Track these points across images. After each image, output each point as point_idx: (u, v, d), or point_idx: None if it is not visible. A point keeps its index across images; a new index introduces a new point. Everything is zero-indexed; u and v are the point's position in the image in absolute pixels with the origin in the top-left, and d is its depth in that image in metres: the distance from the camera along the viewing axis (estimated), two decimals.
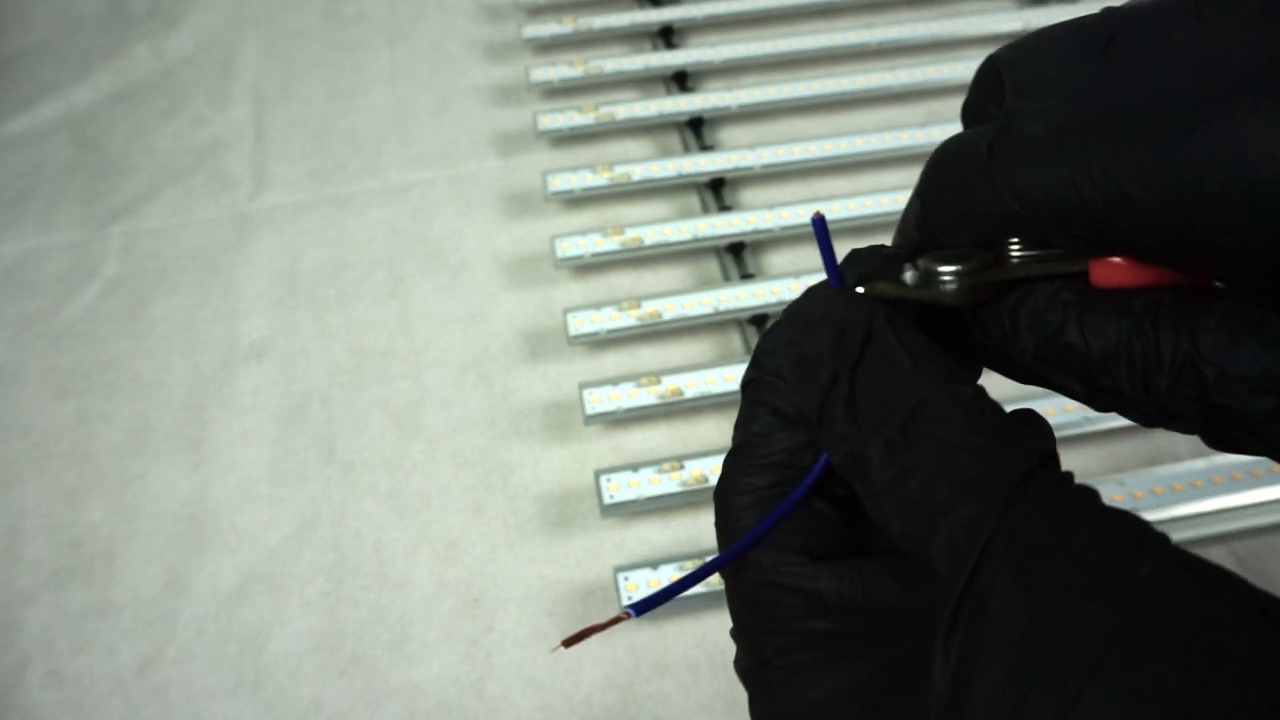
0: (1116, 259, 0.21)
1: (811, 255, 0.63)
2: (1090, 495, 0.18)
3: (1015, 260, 0.23)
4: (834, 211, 0.63)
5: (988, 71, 0.23)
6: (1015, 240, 0.23)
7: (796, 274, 0.59)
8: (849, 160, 0.66)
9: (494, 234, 0.65)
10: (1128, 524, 0.17)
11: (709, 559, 0.23)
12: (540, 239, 0.64)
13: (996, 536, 0.18)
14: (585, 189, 0.65)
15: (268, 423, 0.57)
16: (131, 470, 0.55)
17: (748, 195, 0.67)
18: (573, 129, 0.69)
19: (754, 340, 0.58)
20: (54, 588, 0.51)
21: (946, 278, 0.23)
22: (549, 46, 0.77)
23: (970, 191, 0.22)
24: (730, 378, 0.55)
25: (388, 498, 0.53)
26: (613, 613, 0.49)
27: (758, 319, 0.59)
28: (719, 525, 0.24)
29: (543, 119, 0.70)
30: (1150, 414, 0.22)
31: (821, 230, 0.24)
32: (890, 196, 0.63)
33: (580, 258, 0.61)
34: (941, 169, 0.23)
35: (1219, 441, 0.21)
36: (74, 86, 0.77)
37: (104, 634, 0.49)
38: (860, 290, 0.24)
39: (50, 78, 0.77)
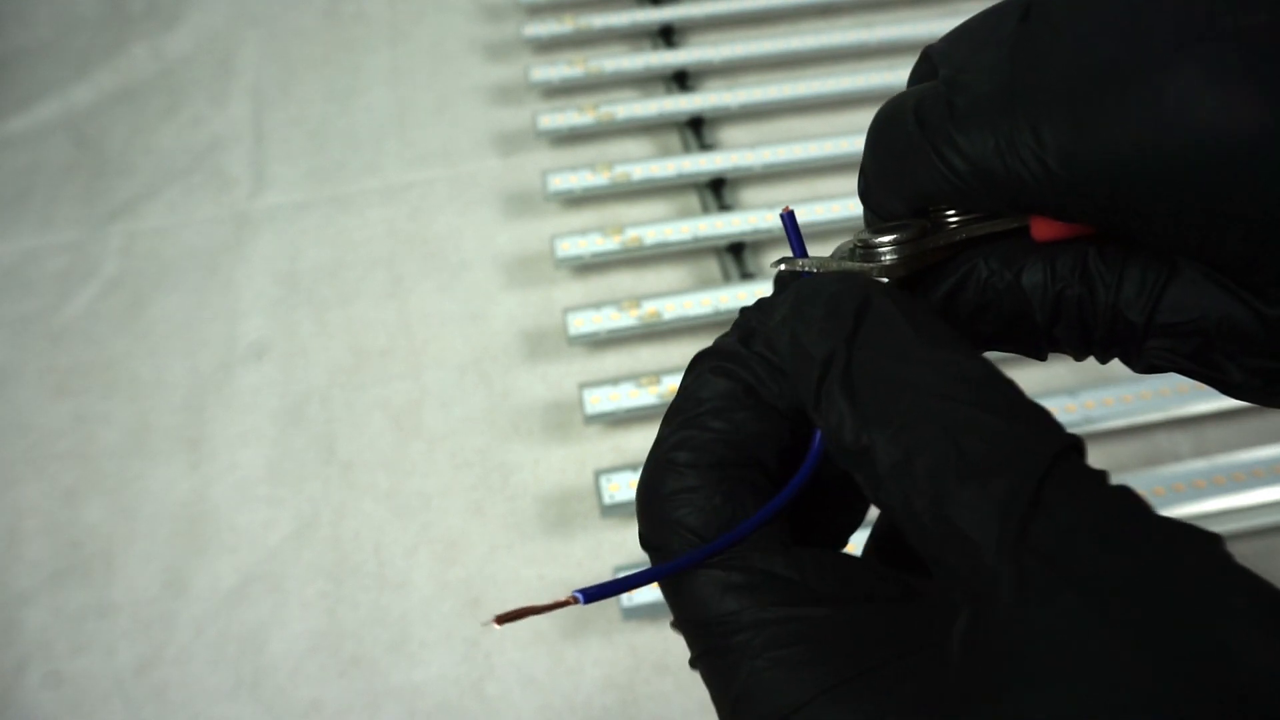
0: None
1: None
2: (1136, 498, 0.17)
3: (953, 225, 0.22)
4: (834, 211, 0.62)
5: (921, 62, 0.23)
6: (950, 209, 0.22)
7: None
8: (849, 160, 0.66)
9: (494, 234, 0.65)
10: (1189, 537, 0.16)
11: (675, 560, 0.20)
12: (540, 239, 0.64)
13: (1030, 536, 0.16)
14: (585, 189, 0.65)
15: (267, 423, 0.57)
16: (130, 470, 0.55)
17: (748, 195, 0.67)
18: (573, 129, 0.69)
19: None
20: (53, 588, 0.51)
21: (885, 249, 0.22)
22: (549, 46, 0.77)
23: (903, 157, 0.22)
24: None
25: (387, 498, 0.53)
26: (611, 615, 0.49)
27: None
28: (645, 509, 0.21)
29: (543, 119, 0.69)
30: (1088, 352, 0.22)
31: (791, 225, 0.24)
32: None
33: (580, 258, 0.61)
34: (876, 135, 0.23)
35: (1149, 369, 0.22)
36: (73, 86, 0.77)
37: (103, 634, 0.49)
38: (782, 266, 0.23)
39: (49, 77, 0.77)
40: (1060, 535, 0.16)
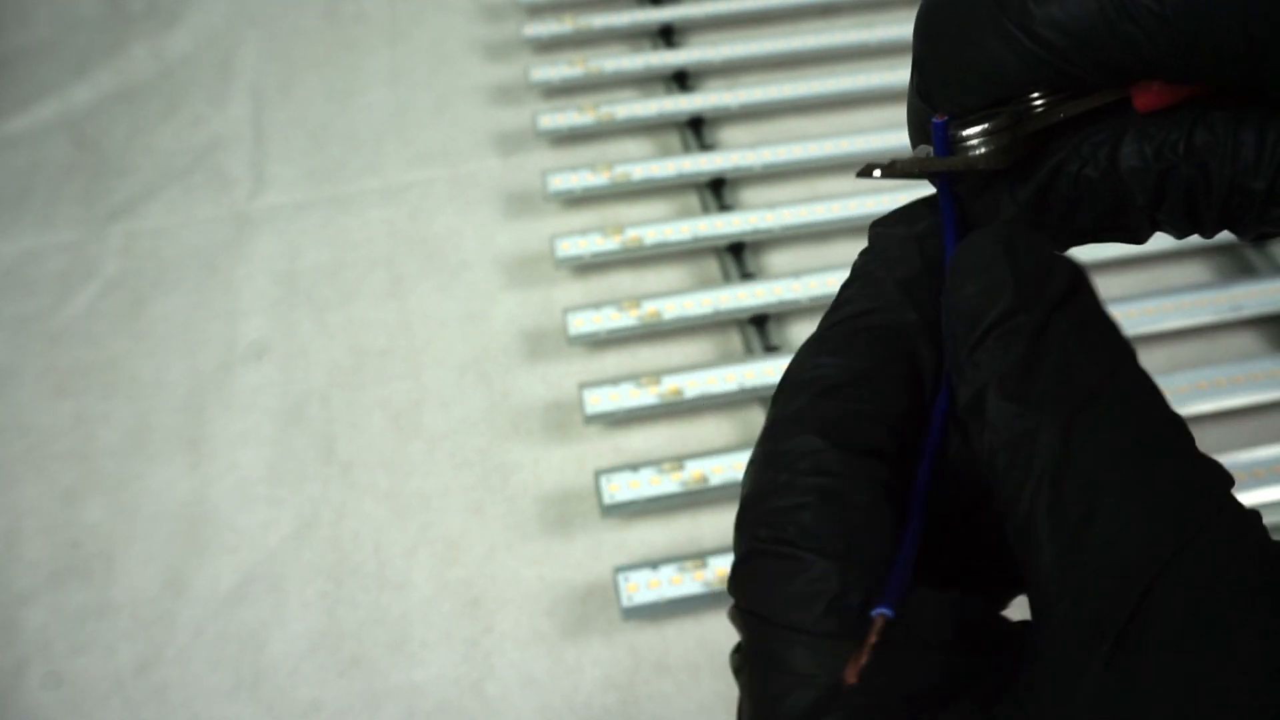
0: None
1: (812, 255, 0.63)
2: None
3: (1040, 109, 0.20)
4: (834, 211, 0.62)
5: None
6: (1035, 94, 0.20)
7: (796, 274, 0.59)
8: (849, 160, 0.66)
9: (494, 234, 0.65)
10: None
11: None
12: (540, 239, 0.64)
13: (1182, 568, 0.14)
14: (585, 189, 0.65)
15: (267, 423, 0.57)
16: (130, 470, 0.55)
17: (748, 195, 0.67)
18: (573, 129, 0.69)
19: (754, 340, 0.58)
20: (53, 588, 0.51)
21: (974, 140, 0.20)
22: (549, 46, 0.77)
23: (975, 42, 0.19)
24: (730, 378, 0.54)
25: (387, 498, 0.53)
26: (611, 615, 0.49)
27: (758, 319, 0.58)
28: (765, 491, 0.18)
29: (542, 119, 0.69)
30: (1194, 230, 0.20)
31: (942, 133, 0.20)
32: (891, 196, 0.63)
33: (580, 258, 0.61)
34: (935, 25, 0.20)
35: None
36: (73, 86, 0.77)
37: (103, 634, 0.49)
38: (878, 173, 0.21)
39: (49, 77, 0.77)
40: (1193, 603, 0.14)
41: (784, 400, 0.19)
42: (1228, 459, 0.50)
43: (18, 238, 0.67)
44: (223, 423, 0.57)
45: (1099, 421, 0.16)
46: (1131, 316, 0.55)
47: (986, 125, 0.19)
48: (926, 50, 0.20)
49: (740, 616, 0.18)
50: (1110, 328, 0.17)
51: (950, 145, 0.20)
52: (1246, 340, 0.57)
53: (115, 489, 0.54)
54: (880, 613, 0.16)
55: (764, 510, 0.17)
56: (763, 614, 0.17)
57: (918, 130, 0.21)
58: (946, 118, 0.20)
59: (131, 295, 0.63)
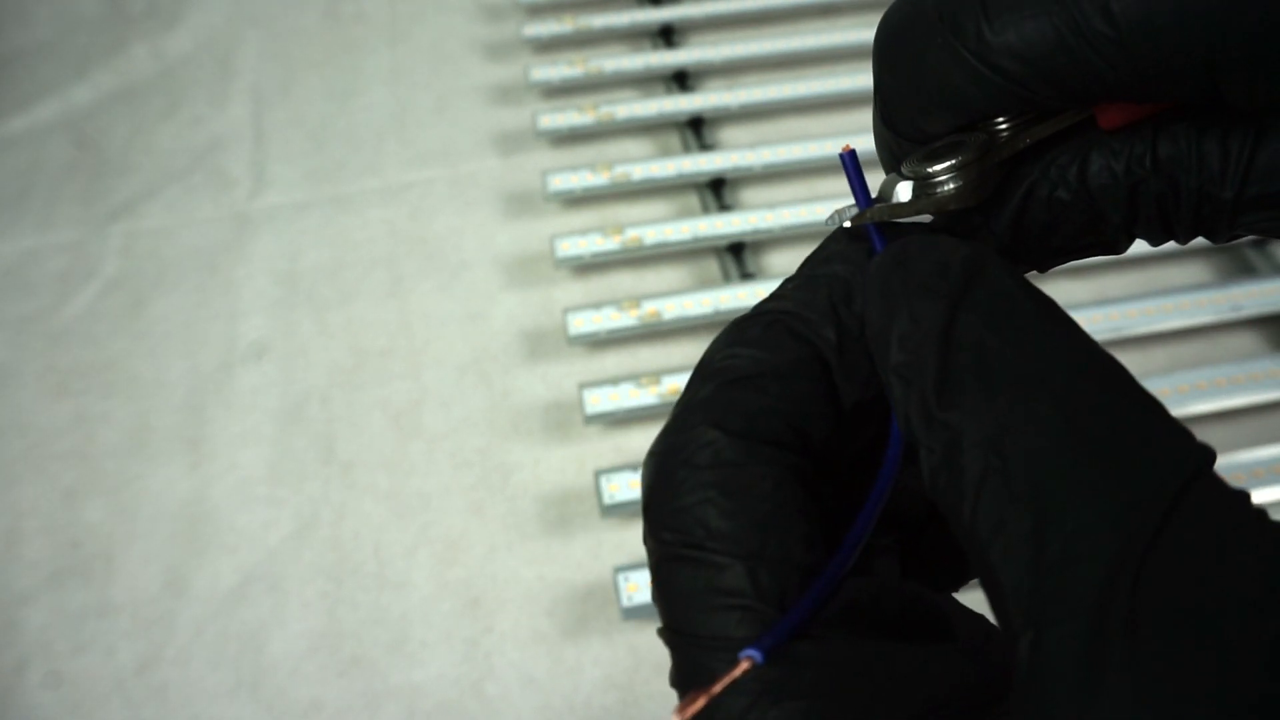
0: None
1: None
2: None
3: (1005, 133, 0.19)
4: None
5: None
6: (999, 119, 0.19)
7: None
8: None
9: (494, 234, 0.65)
10: None
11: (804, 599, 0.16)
12: (540, 239, 0.64)
13: (1147, 568, 0.13)
14: (585, 189, 0.65)
15: (267, 423, 0.57)
16: (130, 470, 0.55)
17: (748, 195, 0.67)
18: (573, 129, 0.69)
19: None
20: (53, 588, 0.51)
21: (943, 176, 0.19)
22: (549, 46, 0.77)
23: (934, 70, 0.18)
24: None
25: (387, 498, 0.53)
26: (611, 615, 0.49)
27: None
28: (665, 482, 0.17)
29: (542, 119, 0.69)
30: (1168, 238, 0.20)
31: (853, 167, 0.20)
32: None
33: (580, 258, 0.61)
34: (892, 51, 0.19)
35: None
36: (73, 86, 0.77)
37: (103, 634, 0.49)
38: (847, 224, 0.20)
39: (49, 77, 0.77)
40: (1181, 589, 0.12)
41: (691, 388, 0.18)
42: (1228, 459, 0.50)
43: (18, 238, 0.67)
44: (223, 423, 0.57)
45: (1031, 414, 0.14)
46: (1131, 316, 0.55)
47: (954, 160, 0.19)
48: (886, 76, 0.20)
49: (664, 635, 0.17)
50: (1029, 306, 0.16)
51: (864, 180, 0.20)
52: (1246, 340, 0.57)
53: (115, 489, 0.54)
54: (748, 654, 0.15)
55: (667, 511, 0.17)
56: (683, 630, 0.17)
57: (886, 154, 0.21)
58: (853, 149, 0.19)
59: (131, 295, 0.63)
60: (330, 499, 0.53)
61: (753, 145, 0.67)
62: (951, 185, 0.19)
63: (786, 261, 0.63)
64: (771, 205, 0.63)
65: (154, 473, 0.55)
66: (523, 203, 0.67)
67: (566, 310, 0.58)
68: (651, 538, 0.17)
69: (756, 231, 0.62)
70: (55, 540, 0.53)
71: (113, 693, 0.47)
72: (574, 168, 0.66)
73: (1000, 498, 0.14)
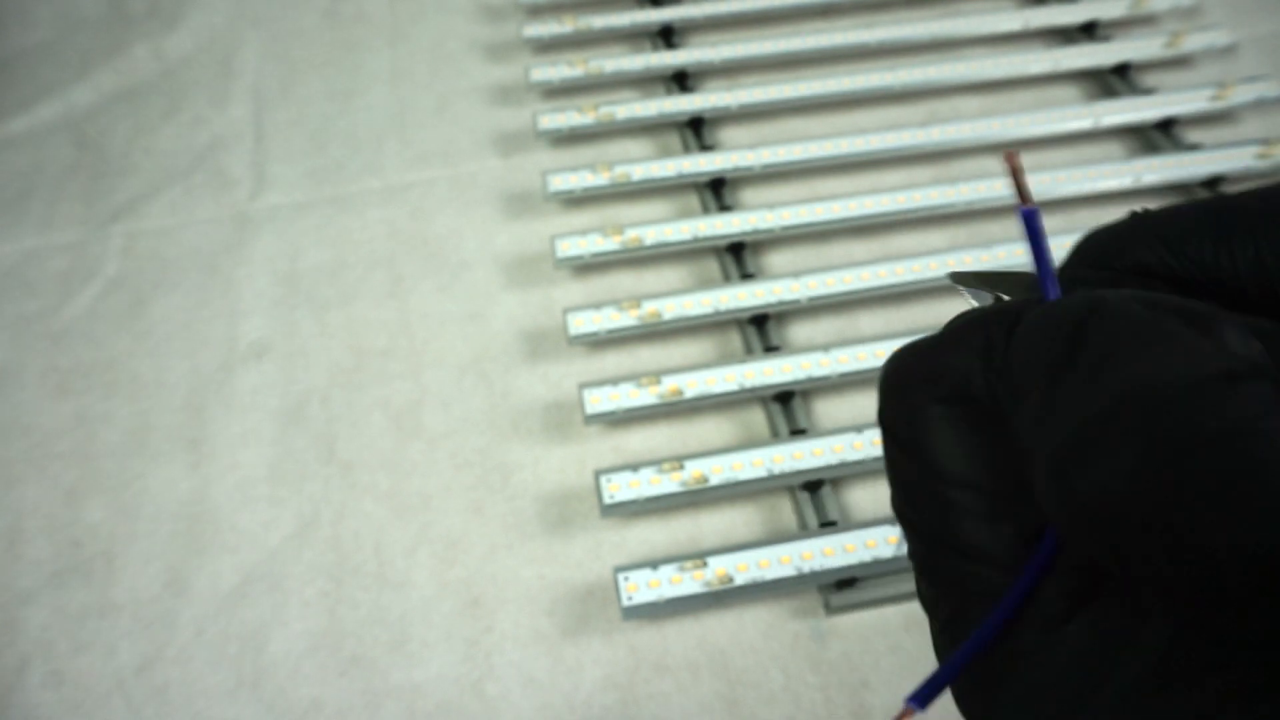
0: None
1: (812, 255, 0.63)
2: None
3: None
4: (834, 212, 0.62)
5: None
6: None
7: (796, 274, 0.59)
8: (849, 160, 0.66)
9: (494, 234, 0.65)
10: None
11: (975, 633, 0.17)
12: (540, 239, 0.64)
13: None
14: (585, 189, 0.65)
15: (267, 423, 0.57)
16: (131, 470, 0.55)
17: (748, 195, 0.67)
18: (573, 129, 0.69)
19: (754, 340, 0.58)
20: (54, 588, 0.51)
21: None
22: (549, 46, 0.77)
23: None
24: (730, 378, 0.55)
25: (387, 498, 0.53)
26: (611, 615, 0.49)
27: (758, 319, 0.58)
28: (922, 524, 0.18)
29: (543, 119, 0.69)
30: None
31: (1035, 227, 0.18)
32: (890, 196, 0.63)
33: (580, 258, 0.61)
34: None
35: None
36: (74, 87, 0.77)
37: (104, 634, 0.49)
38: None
39: (50, 78, 0.77)
40: None
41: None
42: None
43: (19, 238, 0.67)
44: (223, 423, 0.57)
45: None
46: None
47: None
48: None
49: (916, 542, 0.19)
50: (1138, 321, 0.16)
51: (1046, 249, 0.18)
52: None
53: (116, 489, 0.54)
54: (909, 705, 0.16)
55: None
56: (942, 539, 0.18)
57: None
58: (1036, 206, 0.18)
59: (132, 295, 0.64)
60: (330, 499, 0.53)
61: (753, 145, 0.67)
62: None
63: (786, 261, 0.63)
64: (771, 205, 0.63)
65: (155, 472, 0.55)
66: (523, 203, 0.67)
67: (566, 310, 0.58)
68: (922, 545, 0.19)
69: (756, 231, 0.62)
70: (56, 540, 0.53)
71: (113, 692, 0.47)
72: (574, 168, 0.66)
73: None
